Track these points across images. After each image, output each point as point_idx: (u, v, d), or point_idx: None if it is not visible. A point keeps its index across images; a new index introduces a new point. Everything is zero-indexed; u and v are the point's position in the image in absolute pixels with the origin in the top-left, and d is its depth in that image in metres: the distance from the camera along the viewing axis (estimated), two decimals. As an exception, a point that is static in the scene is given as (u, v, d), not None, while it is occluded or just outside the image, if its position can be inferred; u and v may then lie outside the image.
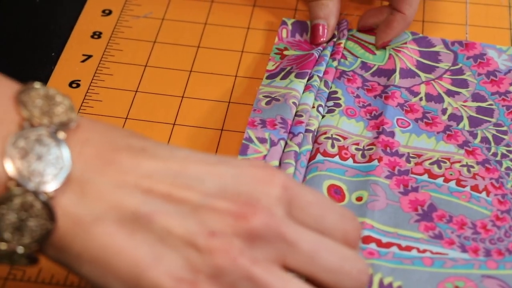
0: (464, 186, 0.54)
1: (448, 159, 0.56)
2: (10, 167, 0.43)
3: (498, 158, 0.57)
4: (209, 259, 0.44)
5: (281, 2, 0.67)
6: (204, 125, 0.58)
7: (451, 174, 0.55)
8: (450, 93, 0.59)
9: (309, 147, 0.56)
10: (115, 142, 0.45)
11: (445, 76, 0.61)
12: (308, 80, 0.60)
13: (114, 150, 0.45)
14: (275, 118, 0.58)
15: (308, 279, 0.45)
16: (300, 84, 0.60)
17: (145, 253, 0.44)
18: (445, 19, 0.66)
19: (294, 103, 0.58)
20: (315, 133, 0.58)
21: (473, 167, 0.56)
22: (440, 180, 0.54)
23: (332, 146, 0.57)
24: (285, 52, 0.64)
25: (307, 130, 0.58)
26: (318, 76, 0.61)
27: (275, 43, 0.64)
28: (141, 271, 0.44)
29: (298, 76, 0.60)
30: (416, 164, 0.56)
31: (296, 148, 0.56)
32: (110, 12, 0.67)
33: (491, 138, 0.58)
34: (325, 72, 0.61)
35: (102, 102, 0.60)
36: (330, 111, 0.59)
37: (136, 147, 0.45)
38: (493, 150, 0.57)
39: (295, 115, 0.58)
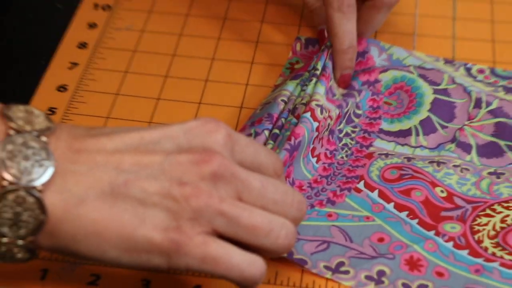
0: (312, 142, 0.60)
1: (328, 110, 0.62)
2: (2, 168, 0.46)
3: (341, 135, 0.62)
4: (186, 205, 0.47)
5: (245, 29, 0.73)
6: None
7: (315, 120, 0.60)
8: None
9: (289, 118, 0.61)
10: (79, 134, 0.49)
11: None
12: (301, 78, 0.64)
13: (79, 140, 0.48)
14: (263, 116, 0.62)
15: None
16: (292, 84, 0.64)
17: (129, 217, 0.47)
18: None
19: (282, 100, 0.62)
20: (297, 105, 0.62)
21: (326, 130, 0.61)
22: (312, 124, 0.60)
23: (321, 112, 0.61)
24: (296, 66, 0.69)
25: (289, 112, 0.62)
26: (308, 71, 0.65)
27: (289, 57, 0.69)
28: (130, 233, 0.47)
29: (292, 78, 0.65)
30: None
31: (277, 131, 0.60)
32: (95, 25, 0.72)
33: (346, 116, 0.63)
34: (316, 61, 0.65)
35: (86, 104, 0.64)
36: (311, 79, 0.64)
37: (96, 133, 0.49)
38: (341, 126, 0.62)
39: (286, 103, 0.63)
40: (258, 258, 0.49)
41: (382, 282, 0.54)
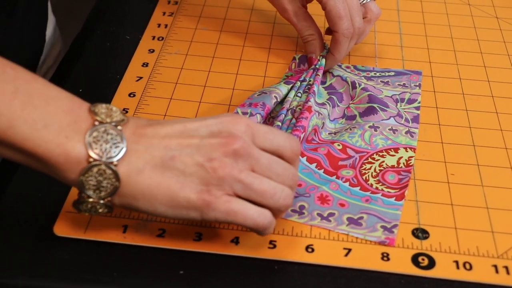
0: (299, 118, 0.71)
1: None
2: (89, 149, 0.51)
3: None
4: (214, 175, 0.52)
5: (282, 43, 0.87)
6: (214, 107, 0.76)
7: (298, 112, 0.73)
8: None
9: (289, 117, 0.71)
10: (141, 124, 0.54)
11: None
12: (293, 85, 0.75)
13: (141, 128, 0.53)
14: (259, 102, 0.71)
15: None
16: (285, 86, 0.75)
17: (174, 183, 0.52)
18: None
19: (275, 96, 0.73)
20: (295, 109, 0.72)
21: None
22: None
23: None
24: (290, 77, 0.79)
25: (287, 110, 0.71)
26: (300, 80, 0.76)
27: (286, 72, 0.81)
28: (175, 195, 0.52)
29: (286, 83, 0.76)
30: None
31: (279, 123, 0.70)
32: (153, 51, 0.85)
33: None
34: (306, 75, 0.77)
35: (149, 105, 0.75)
36: (305, 91, 0.75)
37: (153, 123, 0.54)
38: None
39: (281, 103, 0.73)
40: (267, 211, 0.54)
41: (303, 213, 0.63)
